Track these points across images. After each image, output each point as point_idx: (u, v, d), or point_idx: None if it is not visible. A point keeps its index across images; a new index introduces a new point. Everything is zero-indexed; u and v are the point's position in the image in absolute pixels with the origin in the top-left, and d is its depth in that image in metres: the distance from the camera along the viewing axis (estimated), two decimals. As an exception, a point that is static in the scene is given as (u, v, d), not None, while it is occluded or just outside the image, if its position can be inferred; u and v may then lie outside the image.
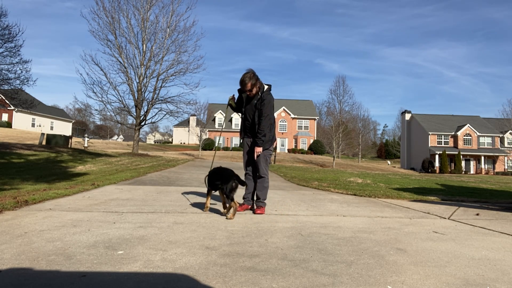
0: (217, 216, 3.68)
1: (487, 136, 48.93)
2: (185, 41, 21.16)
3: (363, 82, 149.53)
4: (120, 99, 20.47)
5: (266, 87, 4.12)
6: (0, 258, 2.06)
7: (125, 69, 20.16)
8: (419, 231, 3.29)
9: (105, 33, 19.69)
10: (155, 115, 21.46)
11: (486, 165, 48.08)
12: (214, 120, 55.78)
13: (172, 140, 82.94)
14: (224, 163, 19.40)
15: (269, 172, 4.25)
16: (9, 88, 16.75)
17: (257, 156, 4.07)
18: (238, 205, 3.68)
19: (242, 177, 3.96)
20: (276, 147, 45.40)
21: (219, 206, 4.34)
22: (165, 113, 21.29)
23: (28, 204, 3.98)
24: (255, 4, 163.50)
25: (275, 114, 54.45)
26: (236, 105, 4.32)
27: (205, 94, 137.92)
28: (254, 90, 4.05)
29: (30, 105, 18.74)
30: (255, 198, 4.18)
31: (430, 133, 49.04)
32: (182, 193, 5.57)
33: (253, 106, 4.10)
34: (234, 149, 52.74)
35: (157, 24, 20.89)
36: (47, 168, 10.49)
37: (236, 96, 4.32)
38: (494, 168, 48.01)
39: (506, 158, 47.90)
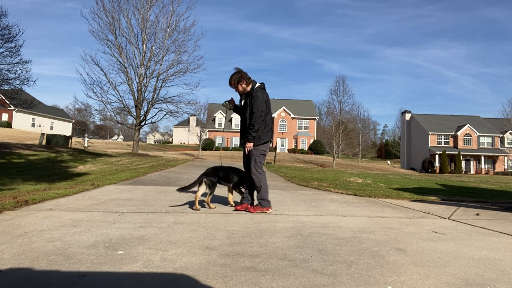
0: (217, 216, 3.68)
1: (487, 136, 48.91)
2: (185, 41, 21.21)
3: (363, 82, 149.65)
4: (120, 99, 20.50)
5: (258, 84, 4.11)
6: (0, 258, 2.06)
7: (125, 69, 20.18)
8: (419, 231, 3.29)
9: (105, 33, 19.73)
10: (155, 115, 21.51)
11: (486, 165, 48.07)
12: (214, 120, 55.78)
13: (172, 140, 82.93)
14: (224, 163, 19.38)
15: (264, 171, 4.13)
16: (9, 88, 16.75)
17: (248, 152, 4.07)
18: (208, 195, 4.13)
19: None
20: (276, 147, 45.40)
21: (219, 206, 4.35)
22: (165, 113, 21.32)
23: (28, 204, 3.98)
24: (256, 5, 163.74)
25: (275, 114, 54.91)
26: (235, 107, 4.32)
27: (205, 94, 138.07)
28: (241, 88, 4.09)
29: (30, 105, 18.74)
30: (254, 197, 4.21)
31: (430, 133, 49.03)
32: (182, 193, 5.56)
33: (246, 105, 4.11)
34: (234, 149, 52.76)
35: (157, 24, 20.93)
36: (47, 168, 10.49)
37: (238, 99, 4.33)
38: (494, 168, 48.00)
39: (506, 158, 47.88)
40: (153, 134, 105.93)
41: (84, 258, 2.11)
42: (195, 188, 4.15)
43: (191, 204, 4.42)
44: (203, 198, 4.30)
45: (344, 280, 1.89)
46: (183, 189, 4.15)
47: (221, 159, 5.15)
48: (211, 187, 4.12)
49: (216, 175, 4.19)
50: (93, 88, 20.04)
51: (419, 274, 2.03)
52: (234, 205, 4.24)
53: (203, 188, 4.09)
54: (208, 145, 51.56)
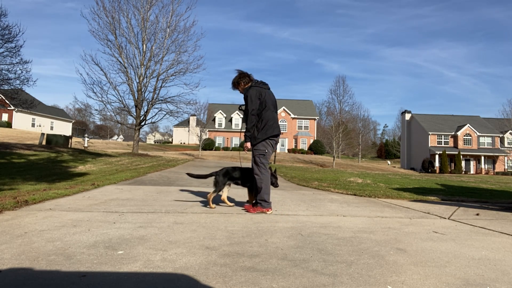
0: (217, 216, 3.68)
1: (487, 136, 48.91)
2: (185, 41, 21.18)
3: (363, 82, 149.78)
4: (120, 99, 20.48)
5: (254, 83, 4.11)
6: (0, 258, 2.06)
7: (125, 69, 20.17)
8: (419, 231, 3.29)
9: (105, 33, 19.71)
10: (155, 115, 21.48)
11: (486, 165, 48.06)
12: (214, 120, 55.77)
13: (172, 140, 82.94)
14: (224, 163, 19.41)
15: (267, 172, 4.04)
16: (9, 88, 16.73)
17: (247, 151, 4.12)
18: (211, 193, 4.19)
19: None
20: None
21: (219, 206, 4.35)
22: (165, 113, 21.31)
23: (28, 204, 3.98)
24: (256, 5, 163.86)
25: (275, 114, 54.62)
26: None
27: (205, 94, 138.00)
28: (240, 89, 4.13)
29: (30, 105, 18.72)
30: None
31: (430, 133, 49.02)
32: (183, 193, 5.57)
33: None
34: (234, 149, 52.77)
35: (157, 24, 20.91)
36: (47, 168, 10.48)
37: None
38: (494, 168, 48.00)
39: (506, 158, 47.88)
40: (153, 134, 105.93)
41: (84, 258, 2.11)
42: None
43: (191, 204, 4.43)
44: (202, 199, 4.29)
45: (344, 280, 1.89)
46: (193, 176, 4.46)
47: (240, 160, 5.21)
48: (216, 185, 4.14)
49: (227, 176, 4.19)
50: (93, 88, 20.09)
51: (419, 274, 2.03)
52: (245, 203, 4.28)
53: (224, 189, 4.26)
54: (208, 145, 51.57)
